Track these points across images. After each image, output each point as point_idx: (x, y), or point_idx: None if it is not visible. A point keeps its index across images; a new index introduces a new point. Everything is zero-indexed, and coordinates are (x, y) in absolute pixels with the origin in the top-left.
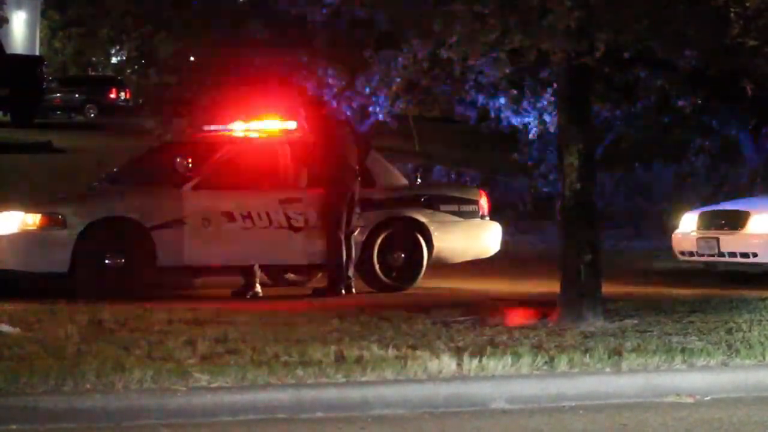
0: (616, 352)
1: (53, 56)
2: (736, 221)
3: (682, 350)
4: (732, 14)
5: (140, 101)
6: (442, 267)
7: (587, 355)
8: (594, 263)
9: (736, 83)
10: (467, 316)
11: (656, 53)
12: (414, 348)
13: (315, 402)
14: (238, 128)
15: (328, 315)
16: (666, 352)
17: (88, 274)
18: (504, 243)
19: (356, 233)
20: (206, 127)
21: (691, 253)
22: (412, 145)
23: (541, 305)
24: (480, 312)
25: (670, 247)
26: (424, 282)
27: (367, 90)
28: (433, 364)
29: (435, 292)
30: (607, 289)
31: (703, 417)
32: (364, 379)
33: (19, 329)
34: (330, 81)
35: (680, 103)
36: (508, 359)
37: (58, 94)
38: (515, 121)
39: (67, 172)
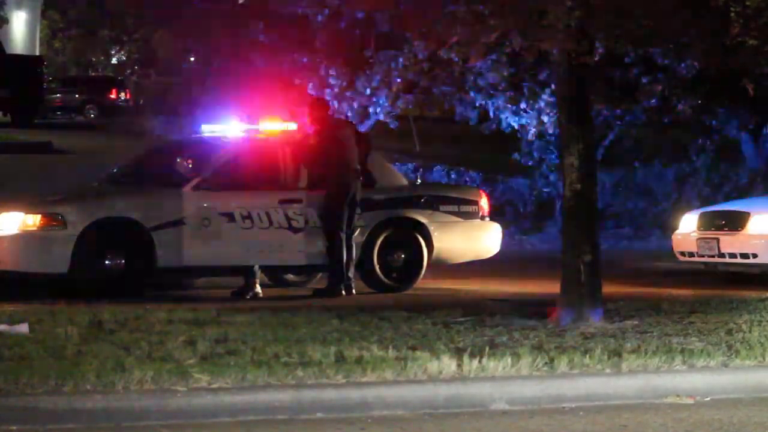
0: (616, 353)
1: (53, 56)
2: (736, 222)
3: (682, 351)
4: (732, 14)
5: (140, 101)
6: (442, 267)
7: (587, 356)
8: (594, 263)
9: (736, 83)
10: (467, 316)
11: (656, 59)
12: (414, 349)
13: (315, 403)
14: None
15: (328, 315)
16: (666, 352)
17: (88, 274)
18: (504, 244)
19: (356, 233)
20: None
21: (691, 254)
22: (412, 145)
23: (541, 305)
24: (480, 313)
25: (670, 248)
26: (424, 282)
27: (368, 91)
28: (433, 365)
29: (435, 292)
30: (607, 289)
31: (702, 418)
32: (364, 379)
33: (27, 326)
34: (331, 81)
35: (680, 107)
36: (508, 360)
37: (59, 95)
38: (514, 121)
39: (67, 172)
